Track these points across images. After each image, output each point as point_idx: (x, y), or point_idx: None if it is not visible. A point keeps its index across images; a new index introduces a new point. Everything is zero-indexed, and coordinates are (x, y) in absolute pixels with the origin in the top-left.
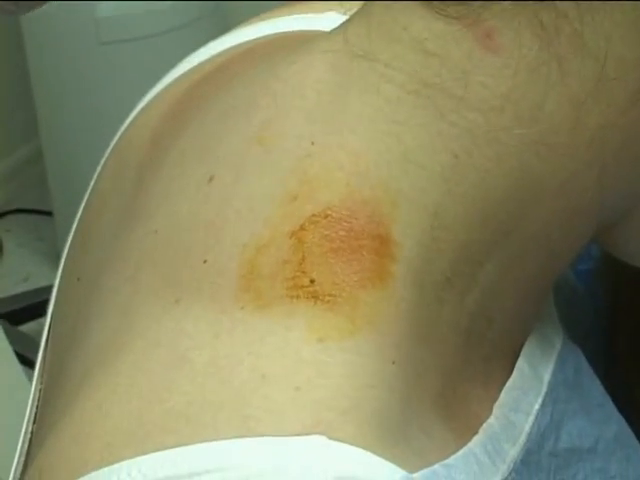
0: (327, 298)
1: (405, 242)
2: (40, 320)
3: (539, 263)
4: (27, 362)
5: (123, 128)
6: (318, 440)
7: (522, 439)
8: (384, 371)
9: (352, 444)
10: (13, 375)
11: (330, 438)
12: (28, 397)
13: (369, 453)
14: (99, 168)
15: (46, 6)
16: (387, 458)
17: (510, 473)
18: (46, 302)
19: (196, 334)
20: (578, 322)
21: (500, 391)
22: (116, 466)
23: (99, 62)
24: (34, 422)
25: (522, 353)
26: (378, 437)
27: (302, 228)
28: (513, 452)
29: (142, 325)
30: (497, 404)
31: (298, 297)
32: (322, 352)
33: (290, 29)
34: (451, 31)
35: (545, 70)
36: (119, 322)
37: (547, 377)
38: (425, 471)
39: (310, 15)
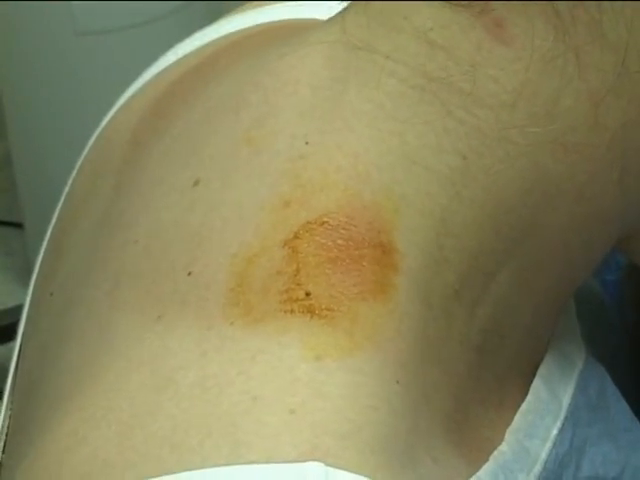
0: (324, 312)
1: (409, 251)
2: (9, 345)
3: (556, 274)
4: None
5: (100, 128)
6: (315, 467)
7: (537, 468)
8: (387, 392)
9: (353, 471)
10: None
11: (328, 465)
12: None
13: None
14: (74, 172)
15: None
16: None
17: None
18: (15, 325)
19: (181, 352)
20: (605, 337)
21: (514, 414)
22: None
23: (75, 55)
24: (3, 451)
25: (538, 373)
26: (381, 464)
27: (296, 236)
28: None
29: (122, 344)
30: (510, 429)
31: (292, 312)
32: (319, 371)
33: (281, 18)
34: (458, 20)
35: (561, 62)
36: (97, 341)
37: (566, 399)
38: None
39: (300, 2)
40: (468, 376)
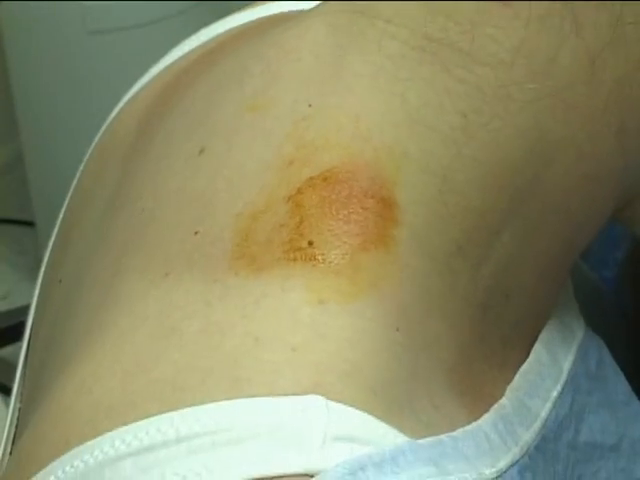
0: (327, 260)
1: (409, 206)
2: (20, 344)
3: (559, 236)
4: (3, 389)
5: (107, 122)
6: (316, 400)
7: (537, 425)
8: (388, 337)
9: (354, 407)
10: None
11: (329, 399)
12: (3, 421)
13: (371, 416)
14: (81, 166)
15: None
16: (390, 424)
17: (523, 457)
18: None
19: (186, 305)
20: (600, 320)
21: (516, 375)
22: (99, 439)
23: (87, 53)
24: (12, 443)
25: (540, 338)
26: (381, 403)
27: (299, 192)
28: (527, 437)
29: (128, 301)
30: (511, 386)
31: (295, 260)
32: (321, 314)
33: (288, 10)
34: None
35: (558, 20)
36: (102, 303)
37: (567, 365)
38: (431, 439)
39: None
40: (472, 332)
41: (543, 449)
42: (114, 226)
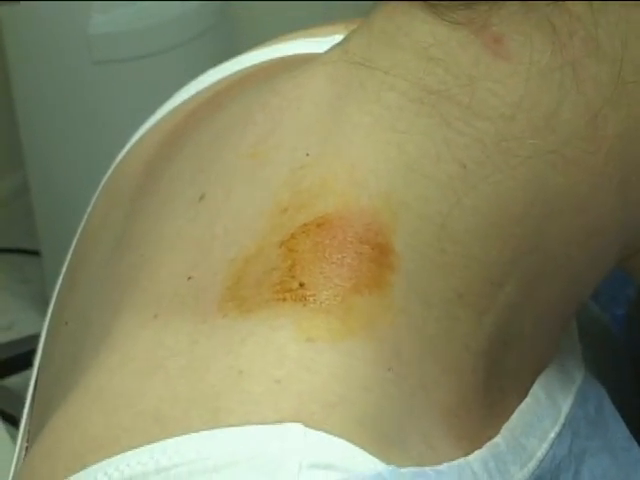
0: (318, 301)
1: (406, 253)
2: (26, 373)
3: (560, 287)
4: (9, 419)
5: (114, 164)
6: (294, 427)
7: (532, 464)
8: (380, 376)
9: (333, 435)
10: None
11: (308, 427)
12: (10, 456)
13: (351, 445)
14: (89, 208)
15: (32, 20)
16: (375, 455)
17: None
18: (32, 353)
19: (173, 344)
20: (609, 361)
21: None
22: (82, 473)
23: (92, 83)
24: None
25: (538, 380)
26: (367, 434)
27: (292, 237)
28: (520, 475)
29: (118, 342)
30: (507, 425)
31: (285, 300)
32: (309, 350)
33: (294, 52)
34: (457, 37)
35: (558, 76)
36: (99, 344)
37: (565, 408)
38: (414, 469)
39: (315, 39)
40: (472, 378)
41: None
42: (118, 270)
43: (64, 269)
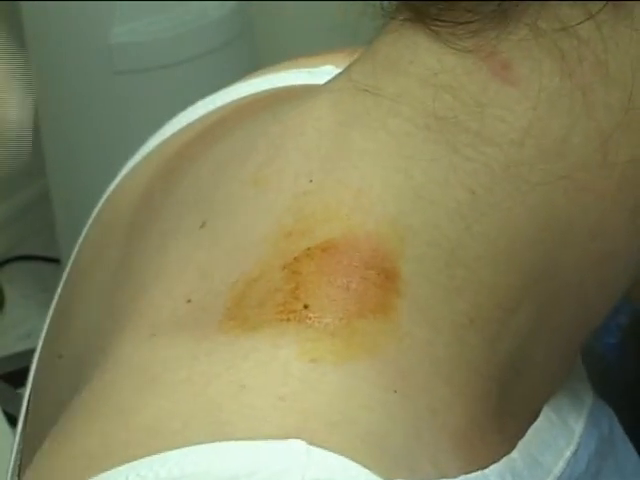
0: (322, 322)
1: (413, 278)
2: None
3: (571, 314)
4: None
5: (105, 196)
6: (296, 444)
7: None
8: (384, 398)
9: (337, 453)
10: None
11: (312, 444)
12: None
13: (353, 462)
14: (80, 239)
15: (54, 30)
16: (378, 474)
17: None
18: None
19: (172, 359)
20: (608, 394)
21: None
22: None
23: (113, 93)
24: None
25: (547, 404)
26: (371, 453)
27: (296, 260)
28: None
29: (112, 359)
30: (522, 441)
31: (289, 320)
32: (313, 371)
33: (291, 83)
34: (464, 64)
35: (568, 101)
36: (95, 369)
37: (579, 429)
38: None
39: (307, 70)
40: (484, 404)
41: None
42: (117, 302)
43: (55, 299)
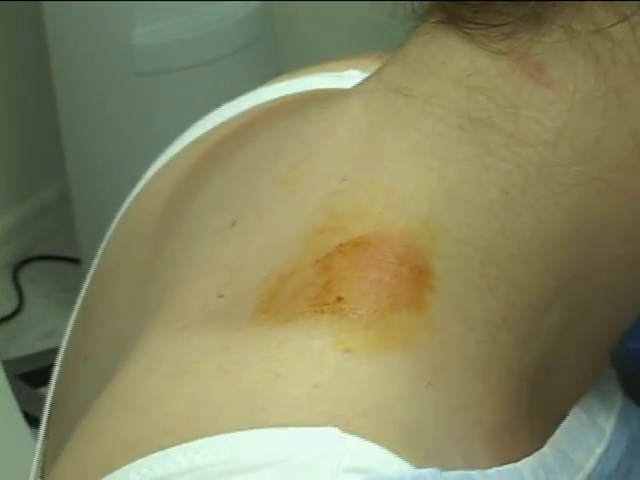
0: (356, 315)
1: (446, 275)
2: None
3: (603, 316)
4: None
5: (132, 196)
6: (331, 431)
7: (580, 476)
8: (418, 390)
9: (370, 441)
10: (22, 447)
11: (346, 432)
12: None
13: (387, 451)
14: (100, 251)
15: (76, 31)
16: (411, 463)
17: None
18: None
19: (204, 350)
20: (631, 399)
21: None
22: (115, 473)
23: (134, 95)
24: None
25: (577, 404)
26: (404, 443)
27: (329, 256)
28: None
29: (145, 350)
30: (552, 439)
31: (323, 312)
32: (348, 360)
33: (317, 87)
34: (497, 66)
35: (602, 103)
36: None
37: (609, 428)
38: (457, 472)
39: (334, 73)
40: (515, 403)
41: None
42: (145, 302)
43: (79, 300)
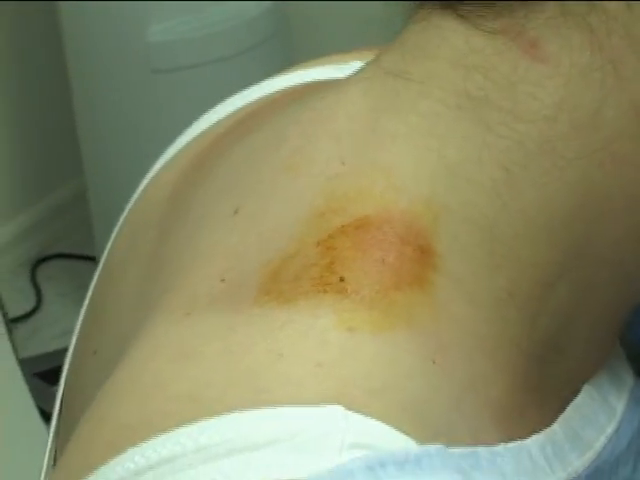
0: (359, 295)
1: (449, 255)
2: None
3: (612, 292)
4: None
5: (137, 194)
6: (336, 409)
7: (590, 454)
8: (423, 367)
9: (375, 419)
10: (37, 443)
11: (350, 410)
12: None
13: (392, 428)
14: (109, 243)
15: (92, 29)
16: (417, 440)
17: None
18: None
19: (207, 332)
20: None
21: None
22: (120, 456)
23: (150, 92)
24: None
25: (588, 382)
26: (410, 420)
27: (330, 237)
28: (578, 464)
29: (148, 335)
30: (563, 416)
31: (325, 292)
32: (351, 339)
33: (318, 78)
34: (493, 44)
35: (599, 75)
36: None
37: (620, 407)
38: (464, 449)
39: (336, 65)
40: (527, 380)
41: None
42: (151, 291)
43: (89, 295)
